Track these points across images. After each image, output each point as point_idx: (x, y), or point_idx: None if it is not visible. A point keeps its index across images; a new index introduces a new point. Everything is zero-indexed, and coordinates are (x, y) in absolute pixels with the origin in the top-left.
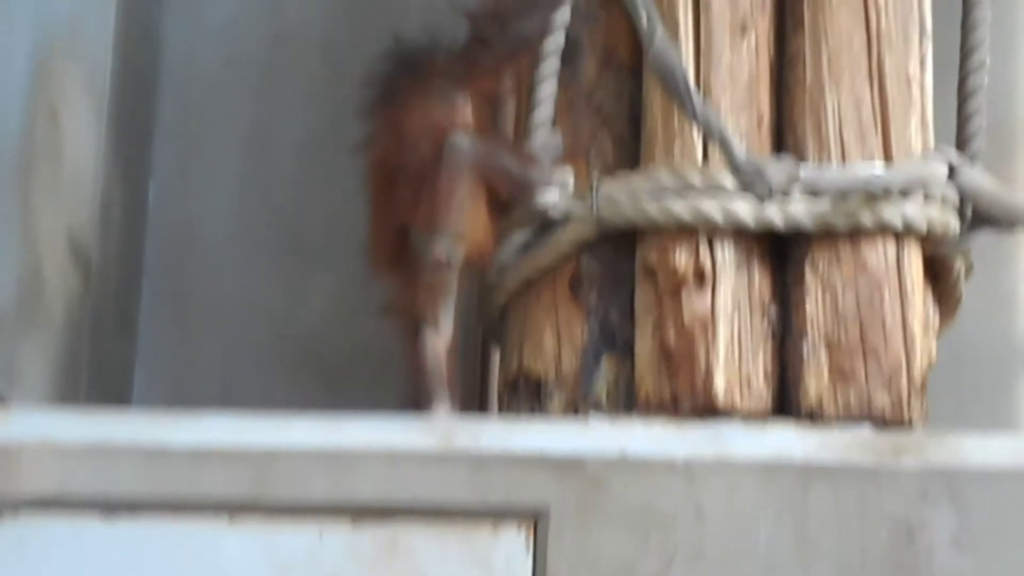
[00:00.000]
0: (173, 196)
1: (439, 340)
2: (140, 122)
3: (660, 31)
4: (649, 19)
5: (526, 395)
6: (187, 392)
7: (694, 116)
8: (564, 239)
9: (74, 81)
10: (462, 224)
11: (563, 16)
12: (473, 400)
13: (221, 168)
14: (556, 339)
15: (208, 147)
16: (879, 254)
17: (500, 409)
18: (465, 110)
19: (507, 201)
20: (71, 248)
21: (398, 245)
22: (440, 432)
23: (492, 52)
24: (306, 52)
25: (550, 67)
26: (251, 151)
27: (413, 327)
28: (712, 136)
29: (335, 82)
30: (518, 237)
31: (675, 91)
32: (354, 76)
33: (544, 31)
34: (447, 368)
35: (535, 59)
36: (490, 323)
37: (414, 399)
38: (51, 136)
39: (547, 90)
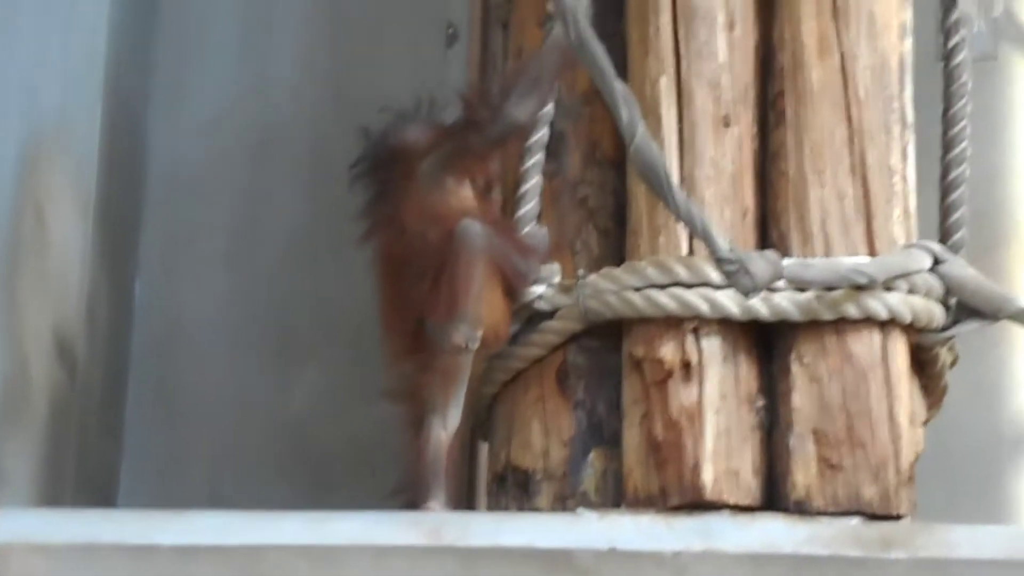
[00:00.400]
0: (159, 292)
1: (443, 432)
2: (126, 218)
3: (641, 127)
4: (630, 114)
5: (514, 489)
6: (174, 490)
7: (676, 211)
8: (551, 332)
9: (61, 177)
10: (479, 309)
11: (547, 110)
12: (461, 494)
13: (207, 264)
14: (544, 432)
15: (194, 243)
16: (865, 345)
17: (488, 503)
18: (465, 195)
19: (514, 287)
20: (57, 345)
21: (413, 334)
22: (428, 527)
23: (483, 136)
24: (293, 148)
25: (535, 161)
26: (237, 247)
27: (418, 417)
28: (695, 231)
29: (322, 177)
30: None
31: (657, 186)
32: (341, 171)
33: (535, 118)
34: (450, 459)
35: (521, 150)
36: (477, 416)
37: (411, 490)
38: (37, 232)
39: (532, 184)
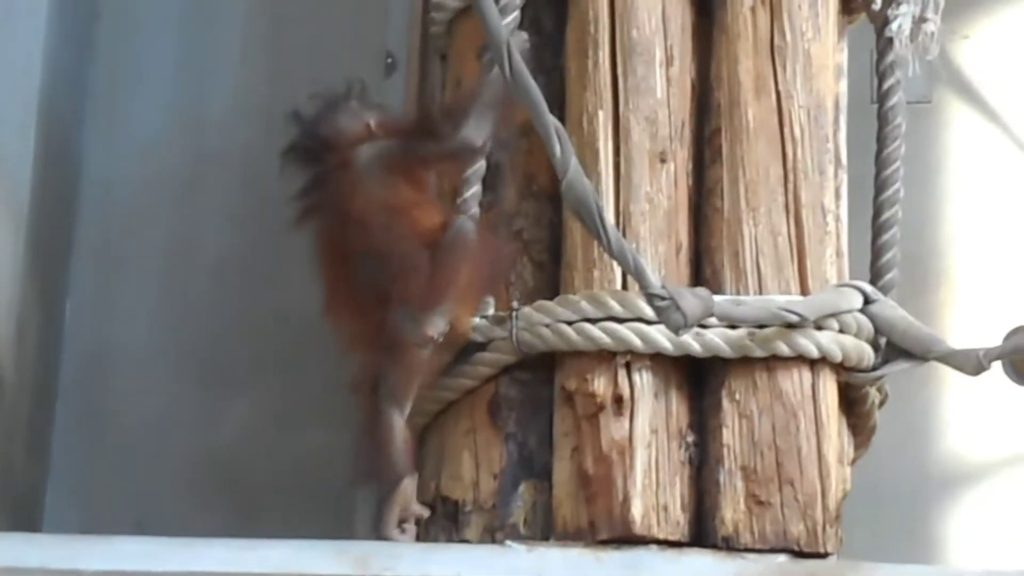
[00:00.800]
0: (90, 316)
1: (401, 420)
2: (58, 241)
3: (574, 162)
4: (563, 149)
5: (443, 520)
6: (100, 515)
7: (608, 247)
8: (484, 364)
9: None
10: (452, 305)
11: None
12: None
13: (139, 290)
14: (474, 464)
15: (127, 268)
16: (795, 382)
17: (417, 534)
18: (418, 193)
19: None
20: None
21: (370, 322)
22: (355, 556)
23: (438, 147)
24: (227, 176)
25: (472, 192)
26: (170, 273)
27: (376, 405)
28: (627, 267)
29: (255, 206)
30: None
31: (589, 222)
32: (275, 201)
33: (487, 144)
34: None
35: (463, 173)
36: None
37: (378, 476)
38: None
39: (471, 215)
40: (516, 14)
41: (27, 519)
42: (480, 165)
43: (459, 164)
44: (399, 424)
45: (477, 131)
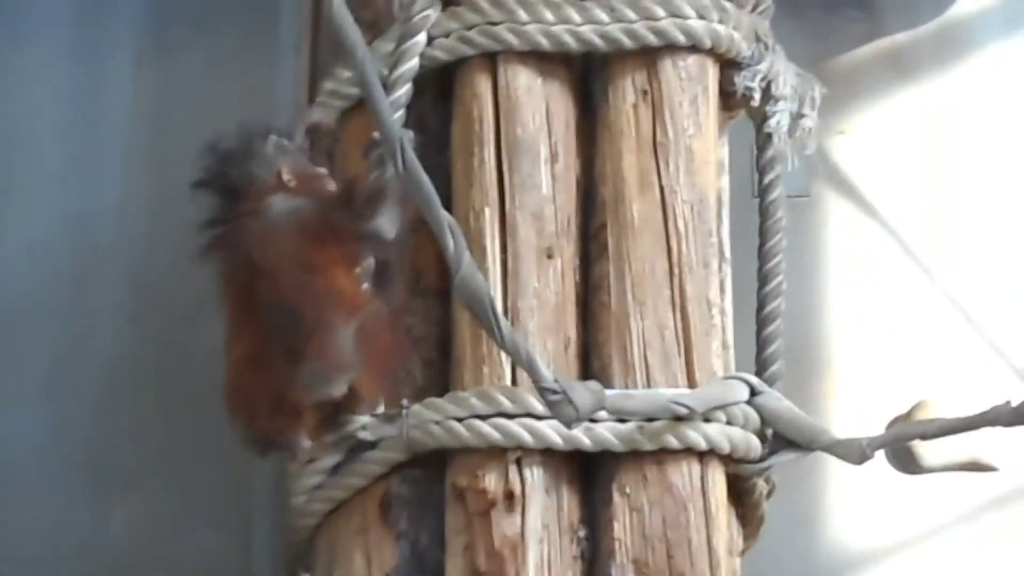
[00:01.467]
0: None
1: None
2: None
3: (467, 257)
4: (456, 245)
5: None
6: None
7: (501, 342)
8: (374, 462)
9: None
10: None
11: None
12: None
13: (27, 392)
14: (366, 563)
15: (14, 370)
16: (684, 475)
17: None
18: (332, 253)
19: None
20: None
21: (274, 374)
22: None
23: (353, 227)
24: (115, 275)
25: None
26: (58, 374)
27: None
28: (520, 361)
29: (144, 306)
30: (328, 460)
31: (483, 316)
32: (163, 301)
33: (398, 238)
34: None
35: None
36: (298, 548)
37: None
38: None
39: None
40: (402, 112)
41: None
42: (368, 262)
43: (367, 248)
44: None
45: (391, 223)
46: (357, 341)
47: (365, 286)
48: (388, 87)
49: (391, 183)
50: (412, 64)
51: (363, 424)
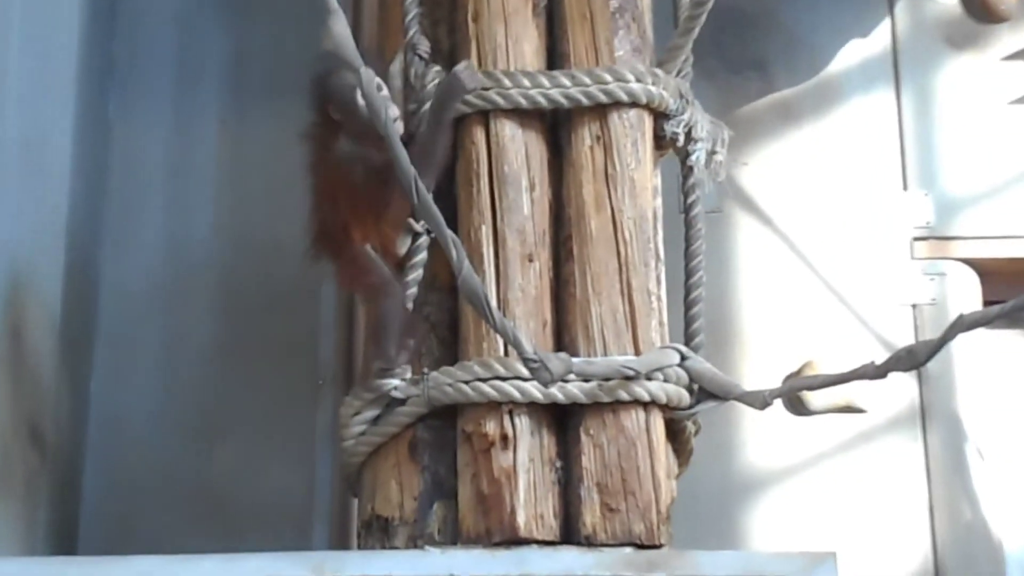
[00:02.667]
0: (109, 392)
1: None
2: (83, 334)
3: (467, 264)
4: (458, 255)
5: (378, 532)
6: (126, 539)
7: (494, 325)
8: (403, 415)
9: (32, 307)
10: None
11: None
12: (340, 537)
13: (145, 368)
14: (400, 490)
15: (135, 353)
16: (633, 420)
17: (359, 543)
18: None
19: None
20: (30, 433)
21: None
22: (315, 563)
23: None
24: (209, 283)
25: (410, 293)
26: (167, 356)
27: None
28: (508, 339)
29: (231, 308)
30: (369, 413)
31: (479, 307)
32: (245, 304)
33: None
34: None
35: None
36: (349, 479)
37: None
38: (14, 348)
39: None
40: None
41: (67, 546)
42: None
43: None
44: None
45: (401, 355)
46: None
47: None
48: (413, 139)
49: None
50: None
51: (395, 386)
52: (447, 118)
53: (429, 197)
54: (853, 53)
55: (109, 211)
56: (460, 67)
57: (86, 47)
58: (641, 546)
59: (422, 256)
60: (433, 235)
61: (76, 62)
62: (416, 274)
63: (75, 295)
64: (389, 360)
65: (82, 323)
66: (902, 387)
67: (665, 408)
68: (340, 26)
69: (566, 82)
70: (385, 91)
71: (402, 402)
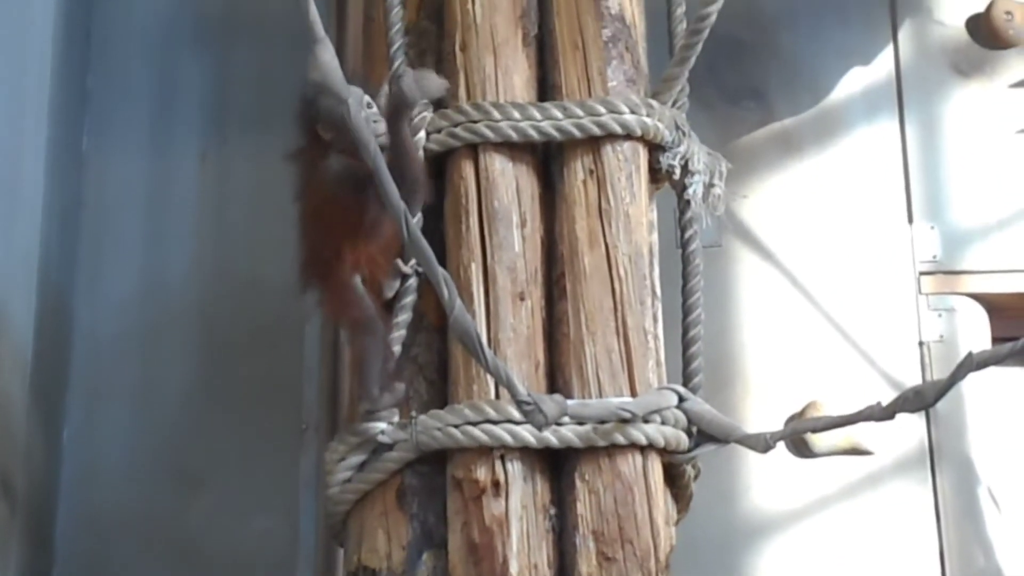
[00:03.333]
0: (84, 437)
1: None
2: (56, 379)
3: (458, 302)
4: (450, 293)
5: None
6: None
7: (486, 366)
8: (391, 461)
9: (1, 351)
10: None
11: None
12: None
13: (120, 415)
14: (387, 539)
15: (111, 397)
16: (630, 465)
17: None
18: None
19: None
20: (0, 483)
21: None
22: None
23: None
24: (186, 322)
25: (398, 335)
26: (142, 402)
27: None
28: (500, 381)
29: (209, 347)
30: (355, 459)
31: (471, 347)
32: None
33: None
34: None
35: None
36: (334, 528)
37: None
38: None
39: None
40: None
41: None
42: (406, 316)
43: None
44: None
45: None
46: None
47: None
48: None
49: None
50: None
51: (382, 430)
52: (403, 133)
53: (419, 232)
54: (855, 81)
55: (83, 250)
56: (407, 78)
57: (59, 77)
58: None
59: (411, 298)
60: (422, 274)
61: (48, 93)
62: (405, 316)
63: (47, 338)
64: (373, 401)
65: (54, 367)
66: (910, 428)
67: (663, 452)
68: (327, 55)
69: (558, 114)
70: (375, 108)
71: (389, 447)
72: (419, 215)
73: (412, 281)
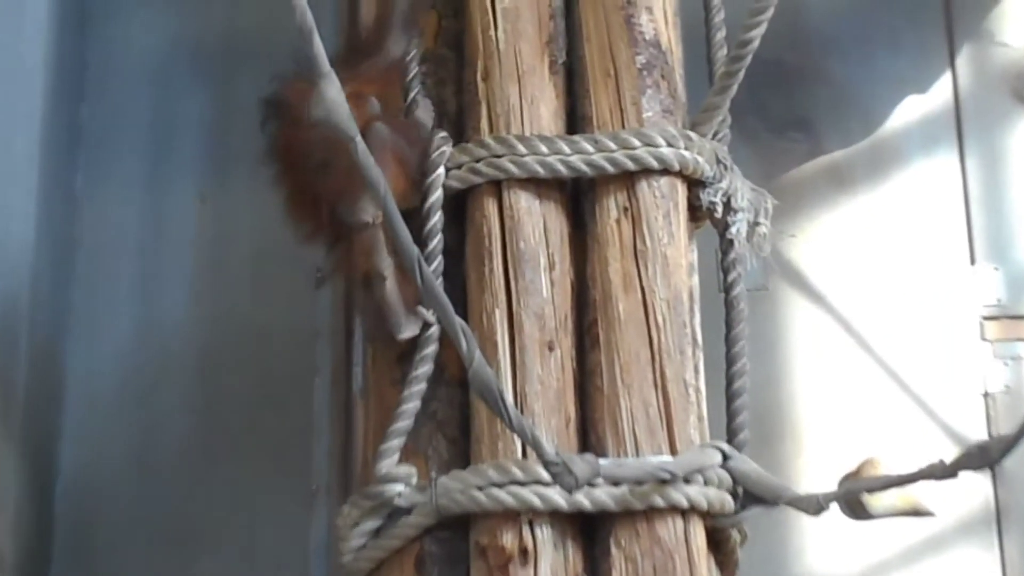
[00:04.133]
0: (77, 494)
1: (387, 284)
2: (48, 431)
3: (478, 355)
4: (468, 345)
5: None
6: None
7: (510, 424)
8: (409, 526)
9: None
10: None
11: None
12: None
13: (117, 467)
14: None
15: (106, 451)
16: (670, 529)
17: None
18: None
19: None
20: None
21: (324, 220)
22: None
23: (371, 63)
24: (185, 372)
25: (415, 390)
26: (141, 453)
27: (363, 278)
28: (526, 440)
29: (210, 398)
30: (370, 524)
31: (493, 404)
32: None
33: (408, 52)
34: (405, 295)
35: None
36: None
37: (379, 333)
38: None
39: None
40: (440, 236)
41: None
42: (425, 370)
43: (388, 76)
44: (384, 289)
45: (397, 45)
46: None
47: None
48: (424, 216)
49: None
50: (438, 194)
51: (399, 492)
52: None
53: (434, 278)
54: (910, 110)
55: (76, 295)
56: (422, 107)
57: (51, 109)
58: None
59: (432, 348)
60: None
61: (40, 125)
62: (425, 368)
63: (38, 388)
64: (399, 328)
65: (46, 419)
66: (974, 487)
67: (706, 515)
68: (333, 90)
69: (588, 147)
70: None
71: (407, 511)
72: (439, 260)
73: (434, 330)
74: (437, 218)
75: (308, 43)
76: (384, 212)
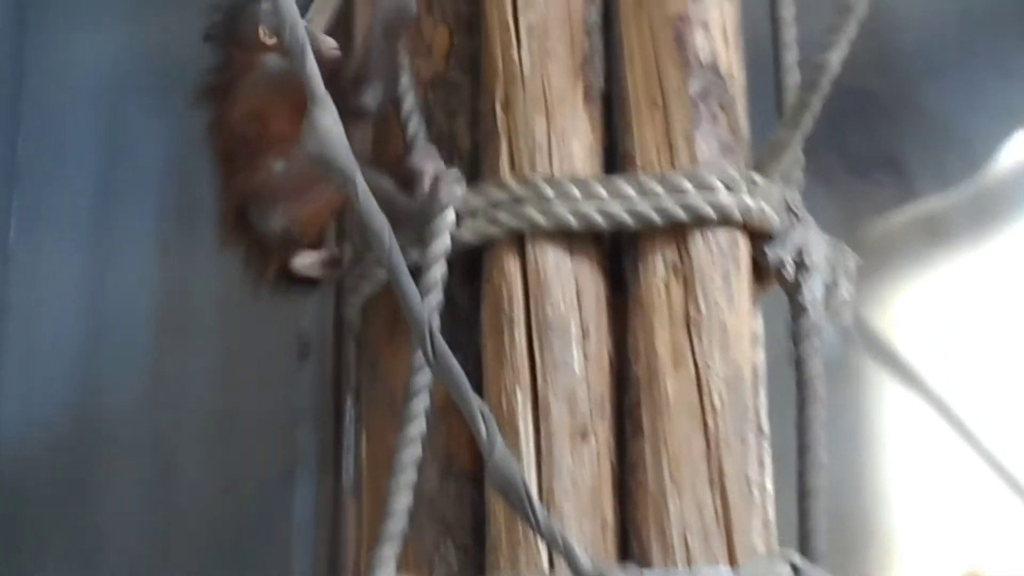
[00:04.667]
0: None
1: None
2: None
3: (499, 442)
4: (488, 431)
5: None
6: None
7: (537, 527)
8: None
9: None
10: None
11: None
12: None
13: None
14: None
15: (39, 558)
16: None
17: None
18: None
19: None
20: None
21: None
22: None
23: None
24: (133, 463)
25: (406, 478)
26: (80, 555)
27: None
28: (556, 547)
29: (165, 495)
30: None
31: (517, 502)
32: (186, 484)
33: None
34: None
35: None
36: None
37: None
38: None
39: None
40: (440, 291)
41: None
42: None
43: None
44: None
45: (373, 97)
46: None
47: None
48: (423, 268)
49: (377, 63)
50: (443, 240)
51: None
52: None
53: (449, 352)
54: (1019, 148)
55: (6, 366)
56: None
57: None
58: None
59: (419, 425)
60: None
61: None
62: (413, 450)
63: None
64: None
65: None
66: None
67: None
68: (328, 119)
69: (631, 192)
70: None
71: None
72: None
73: (423, 392)
74: (440, 269)
75: (300, 64)
76: (391, 271)
